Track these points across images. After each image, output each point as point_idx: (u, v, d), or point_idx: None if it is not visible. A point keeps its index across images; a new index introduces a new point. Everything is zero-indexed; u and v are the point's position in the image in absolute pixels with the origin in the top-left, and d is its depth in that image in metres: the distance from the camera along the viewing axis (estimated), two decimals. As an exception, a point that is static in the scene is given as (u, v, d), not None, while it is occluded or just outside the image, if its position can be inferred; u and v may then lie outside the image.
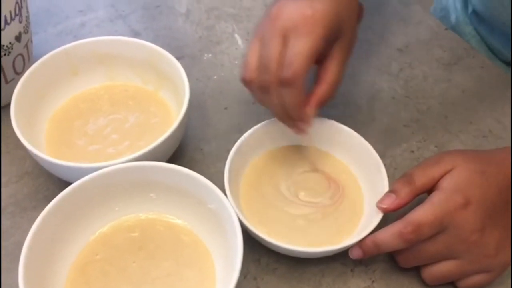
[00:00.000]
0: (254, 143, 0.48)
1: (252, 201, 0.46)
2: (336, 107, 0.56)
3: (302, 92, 0.42)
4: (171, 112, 0.52)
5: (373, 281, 0.44)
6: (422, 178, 0.42)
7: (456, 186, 0.41)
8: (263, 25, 0.43)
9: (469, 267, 0.42)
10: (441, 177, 0.42)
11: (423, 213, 0.40)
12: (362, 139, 0.47)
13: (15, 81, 0.50)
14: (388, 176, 0.45)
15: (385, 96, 0.58)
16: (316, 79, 0.45)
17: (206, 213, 0.42)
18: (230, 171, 0.44)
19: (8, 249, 0.45)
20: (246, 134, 0.47)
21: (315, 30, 0.41)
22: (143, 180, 0.43)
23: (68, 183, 0.42)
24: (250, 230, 0.42)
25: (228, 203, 0.40)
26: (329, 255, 0.44)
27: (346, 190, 0.47)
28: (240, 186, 0.47)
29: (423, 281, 0.43)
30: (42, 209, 0.40)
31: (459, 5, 0.71)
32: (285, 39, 0.41)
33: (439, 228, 0.40)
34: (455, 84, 0.59)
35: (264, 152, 0.49)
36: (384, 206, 0.42)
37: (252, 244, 0.44)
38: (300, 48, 0.41)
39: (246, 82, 0.44)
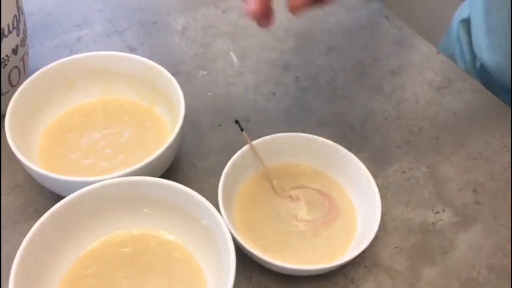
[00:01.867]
0: (248, 161, 0.48)
1: (246, 218, 0.46)
2: (330, 126, 0.57)
3: None
4: (165, 127, 0.52)
5: (364, 301, 0.44)
6: None
7: None
8: None
9: None
10: None
11: None
12: (355, 158, 0.48)
13: (10, 94, 0.50)
14: (380, 196, 0.46)
15: (378, 117, 0.59)
16: None
17: (199, 229, 0.42)
18: (224, 188, 0.44)
19: (-2, 263, 0.44)
20: (240, 152, 0.47)
21: None
22: (136, 195, 0.43)
23: (60, 197, 0.42)
24: (243, 247, 0.42)
25: (221, 219, 0.40)
26: (320, 273, 0.44)
27: (339, 209, 0.47)
28: (233, 202, 0.47)
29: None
30: (33, 222, 0.40)
31: (468, 57, 0.69)
32: None
33: None
34: (446, 107, 0.60)
35: (258, 170, 0.49)
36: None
37: (244, 261, 0.44)
38: None
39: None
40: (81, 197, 0.41)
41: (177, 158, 0.52)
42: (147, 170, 0.44)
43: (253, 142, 0.48)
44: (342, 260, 0.42)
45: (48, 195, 0.48)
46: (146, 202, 0.43)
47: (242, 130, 0.48)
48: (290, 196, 0.48)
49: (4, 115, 0.48)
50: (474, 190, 0.53)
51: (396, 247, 0.48)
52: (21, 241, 0.40)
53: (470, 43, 0.70)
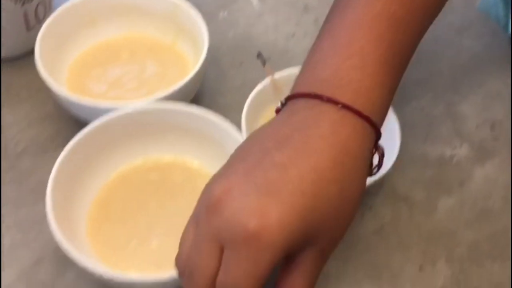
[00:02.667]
0: (270, 95, 0.49)
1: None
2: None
3: None
4: (188, 64, 0.53)
5: (382, 226, 0.46)
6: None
7: None
8: (201, 204, 0.31)
9: None
10: None
11: None
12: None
13: (36, 29, 0.52)
14: (399, 128, 0.47)
15: (397, 57, 0.59)
16: None
17: (223, 156, 0.44)
18: (246, 119, 0.45)
19: (31, 187, 0.46)
20: (261, 84, 0.48)
21: (261, 257, 0.28)
22: (162, 122, 0.44)
23: (89, 126, 0.44)
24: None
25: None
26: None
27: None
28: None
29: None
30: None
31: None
32: (220, 250, 0.29)
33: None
34: (465, 48, 0.61)
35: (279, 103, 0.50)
36: None
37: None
38: (239, 281, 0.29)
39: (178, 273, 0.33)
40: (109, 123, 0.43)
41: (199, 95, 0.54)
42: (171, 100, 0.45)
43: (275, 76, 0.49)
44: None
45: (77, 125, 0.49)
46: (172, 130, 0.45)
47: (264, 63, 0.49)
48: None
49: (33, 50, 0.49)
50: (492, 127, 0.53)
51: (413, 179, 0.49)
52: (52, 168, 0.42)
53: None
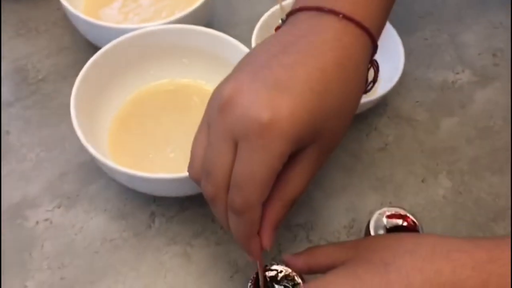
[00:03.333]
0: (276, 23, 0.51)
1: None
2: None
3: (254, 224, 0.32)
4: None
5: (386, 144, 0.48)
6: (320, 259, 0.34)
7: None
8: (212, 100, 0.32)
9: None
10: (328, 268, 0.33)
11: None
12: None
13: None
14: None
15: (402, -9, 0.61)
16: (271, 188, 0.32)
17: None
18: (256, 42, 0.47)
19: (53, 109, 0.49)
20: (270, 11, 0.50)
21: (273, 145, 0.29)
22: (176, 44, 0.46)
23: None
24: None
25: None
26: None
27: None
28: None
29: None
30: (82, 77, 0.44)
31: None
32: (234, 145, 0.30)
33: None
34: (470, -18, 0.62)
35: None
36: (284, 259, 0.36)
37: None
38: (253, 169, 0.30)
39: (193, 180, 0.34)
40: (126, 43, 0.45)
41: (209, 27, 0.55)
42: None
43: (283, 3, 0.50)
44: (369, 99, 0.45)
45: (93, 55, 0.52)
46: (185, 52, 0.47)
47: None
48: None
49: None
50: (494, 55, 0.55)
51: (417, 101, 0.51)
52: (72, 92, 0.44)
53: None
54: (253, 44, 0.47)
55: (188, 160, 0.42)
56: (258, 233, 0.33)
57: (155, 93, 0.47)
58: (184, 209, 0.44)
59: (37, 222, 0.43)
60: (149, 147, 0.44)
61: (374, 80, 0.37)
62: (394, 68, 0.48)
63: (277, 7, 0.50)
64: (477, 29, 0.57)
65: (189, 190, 0.42)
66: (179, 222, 0.43)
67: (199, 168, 0.33)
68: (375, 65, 0.37)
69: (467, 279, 0.28)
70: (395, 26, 0.51)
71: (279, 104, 0.29)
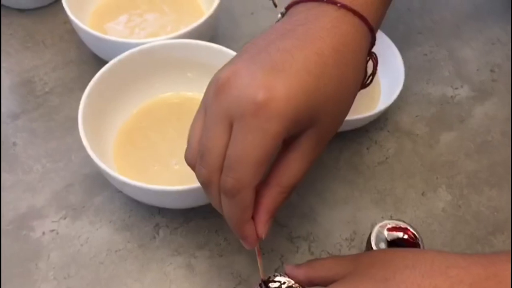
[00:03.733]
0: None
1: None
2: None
3: (247, 207, 0.31)
4: (203, 14, 0.55)
5: (386, 158, 0.49)
6: (320, 273, 0.34)
7: None
8: (209, 84, 0.33)
9: None
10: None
11: None
12: (383, 34, 0.51)
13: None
14: (403, 66, 0.50)
15: (401, 7, 0.62)
16: (268, 173, 0.32)
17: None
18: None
19: (60, 122, 0.50)
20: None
21: (268, 125, 0.29)
22: (181, 58, 0.47)
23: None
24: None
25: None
26: (345, 129, 0.48)
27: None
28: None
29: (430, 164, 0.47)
30: (88, 89, 0.45)
31: None
32: (229, 126, 0.30)
33: None
34: (467, -1, 0.63)
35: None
36: (286, 270, 0.36)
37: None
38: (246, 150, 0.29)
39: (189, 166, 0.34)
40: (131, 57, 0.46)
41: (213, 41, 0.56)
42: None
43: (286, 18, 0.52)
44: (369, 113, 0.46)
45: (99, 68, 0.52)
46: (190, 66, 0.48)
47: (275, 5, 0.51)
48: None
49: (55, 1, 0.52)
50: (492, 70, 0.56)
51: (416, 116, 0.52)
52: (78, 104, 0.44)
53: None
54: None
55: (193, 173, 0.43)
56: (254, 220, 0.33)
57: (160, 106, 0.48)
58: (188, 220, 0.44)
59: (43, 233, 0.43)
60: (154, 159, 0.45)
61: (374, 73, 0.38)
62: (394, 83, 0.49)
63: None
64: (475, 45, 0.58)
65: (194, 202, 0.42)
66: (183, 233, 0.44)
67: (195, 153, 0.32)
68: (374, 58, 0.37)
69: None
70: (395, 41, 0.53)
71: (275, 84, 0.29)
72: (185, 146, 0.46)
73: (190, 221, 0.44)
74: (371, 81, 0.37)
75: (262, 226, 0.32)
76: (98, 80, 0.44)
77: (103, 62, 0.51)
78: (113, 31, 0.53)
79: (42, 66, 0.53)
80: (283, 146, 0.32)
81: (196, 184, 0.38)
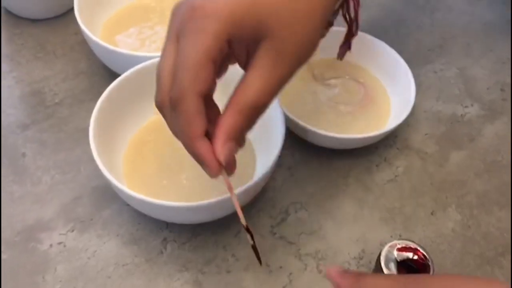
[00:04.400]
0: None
1: (289, 102, 0.49)
2: (365, 31, 0.60)
3: (192, 118, 0.30)
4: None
5: (396, 176, 0.49)
6: None
7: None
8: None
9: None
10: None
11: None
12: (395, 53, 0.51)
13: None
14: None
15: (411, 24, 0.62)
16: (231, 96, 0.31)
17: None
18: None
19: (69, 133, 0.50)
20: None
21: (206, 26, 0.29)
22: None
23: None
24: (289, 118, 0.46)
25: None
26: (356, 146, 0.48)
27: (374, 97, 0.51)
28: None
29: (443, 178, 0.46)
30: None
31: None
32: (178, 43, 0.30)
33: None
34: (477, 17, 0.63)
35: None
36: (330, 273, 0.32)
37: (286, 140, 0.48)
38: (187, 54, 0.29)
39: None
40: (143, 70, 0.46)
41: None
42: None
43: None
44: (379, 132, 0.46)
45: (109, 80, 0.52)
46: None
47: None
48: (329, 84, 0.52)
49: (69, 10, 0.52)
50: (502, 89, 0.56)
51: (426, 134, 0.52)
52: (88, 116, 0.45)
53: None
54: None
55: (202, 187, 0.43)
56: (212, 143, 0.31)
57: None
58: (196, 235, 0.44)
59: (50, 245, 0.43)
60: (163, 173, 0.45)
61: (356, 15, 0.38)
62: (405, 101, 0.49)
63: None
64: (485, 63, 0.58)
65: (202, 218, 0.42)
66: (191, 248, 0.44)
67: (156, 77, 0.32)
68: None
69: None
70: (405, 58, 0.53)
71: None
72: (194, 162, 0.46)
73: (198, 236, 0.44)
74: (358, 27, 0.37)
75: (220, 147, 0.30)
76: (110, 92, 0.44)
77: (114, 74, 0.51)
78: (123, 43, 0.53)
79: (52, 77, 0.54)
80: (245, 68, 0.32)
81: (204, 200, 0.38)
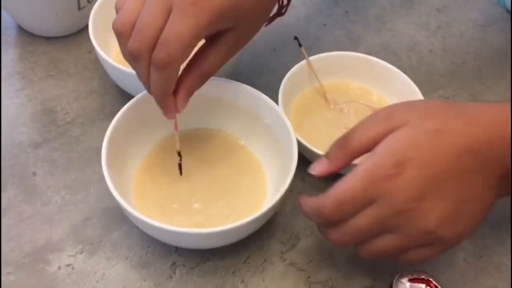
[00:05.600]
0: (304, 76, 0.52)
1: (300, 126, 0.50)
2: (377, 55, 0.59)
3: (172, 81, 0.39)
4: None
5: (407, 203, 0.48)
6: (361, 139, 0.36)
7: (392, 148, 0.35)
8: None
9: (407, 242, 0.36)
10: (385, 137, 0.35)
11: (344, 187, 0.35)
12: (407, 78, 0.52)
13: (86, 9, 0.55)
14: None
15: (423, 49, 0.62)
16: (190, 61, 0.40)
17: (261, 128, 0.47)
18: (282, 96, 0.48)
19: (80, 153, 0.49)
20: (297, 66, 0.51)
21: (201, 14, 0.36)
22: (200, 94, 0.47)
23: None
24: (301, 144, 0.45)
25: (284, 117, 0.45)
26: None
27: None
28: (290, 111, 0.50)
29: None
30: (109, 122, 0.44)
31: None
32: (168, 12, 0.36)
33: (366, 202, 0.35)
34: (489, 43, 0.63)
35: (313, 85, 0.53)
36: (314, 172, 0.39)
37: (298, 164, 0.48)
38: (179, 30, 0.36)
39: (116, 31, 0.38)
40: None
41: (235, 76, 0.56)
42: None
43: (310, 58, 0.52)
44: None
45: (121, 99, 0.53)
46: (210, 102, 0.48)
47: (300, 45, 0.52)
48: (342, 108, 0.52)
49: (83, 28, 0.52)
50: (514, 117, 0.56)
51: (438, 161, 0.51)
52: (99, 135, 0.44)
53: None
54: (280, 95, 0.48)
55: (212, 211, 0.43)
56: (175, 96, 0.40)
57: (181, 142, 0.48)
58: (205, 260, 0.44)
59: (59, 267, 0.43)
60: (174, 196, 0.45)
61: (288, 4, 0.48)
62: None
63: (302, 62, 0.51)
64: (497, 90, 0.58)
65: (211, 244, 0.42)
66: (200, 273, 0.43)
67: (127, 22, 0.37)
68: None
69: (494, 136, 0.35)
70: (417, 84, 0.53)
71: None
72: (205, 186, 0.46)
73: (207, 261, 0.44)
74: (286, 11, 0.48)
75: (182, 101, 0.40)
76: (123, 114, 0.44)
77: (126, 94, 0.51)
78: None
79: (64, 95, 0.54)
80: (207, 41, 0.41)
81: (214, 228, 0.38)
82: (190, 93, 0.40)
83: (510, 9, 0.67)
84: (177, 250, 0.44)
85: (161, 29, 0.36)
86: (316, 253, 0.45)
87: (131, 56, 0.38)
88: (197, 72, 0.40)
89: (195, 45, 0.37)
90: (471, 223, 0.37)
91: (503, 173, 0.36)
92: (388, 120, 0.36)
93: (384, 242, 0.36)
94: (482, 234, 0.46)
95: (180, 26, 0.36)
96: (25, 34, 0.59)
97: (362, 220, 0.35)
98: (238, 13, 0.38)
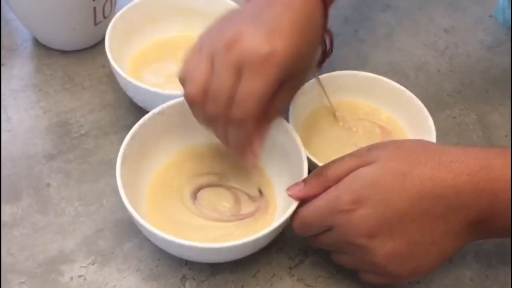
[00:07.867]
0: (313, 94, 0.53)
1: (309, 143, 0.51)
2: (385, 74, 0.60)
3: (250, 134, 0.41)
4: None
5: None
6: (336, 170, 0.40)
7: (353, 185, 0.38)
8: (215, 41, 0.40)
9: (361, 266, 0.41)
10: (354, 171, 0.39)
11: (305, 213, 0.41)
12: (416, 99, 0.52)
13: (102, 24, 0.57)
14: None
15: (431, 68, 0.63)
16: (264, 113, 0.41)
17: (271, 144, 0.47)
18: (292, 114, 0.49)
19: (94, 165, 0.50)
20: (307, 84, 0.52)
21: (271, 72, 0.38)
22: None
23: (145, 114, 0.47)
24: (313, 162, 0.46)
25: (296, 134, 0.45)
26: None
27: (394, 139, 0.52)
28: (299, 129, 0.51)
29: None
30: (123, 135, 0.45)
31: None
32: (238, 73, 0.38)
33: (324, 227, 0.40)
34: (496, 64, 0.64)
35: (322, 103, 0.54)
36: (289, 193, 0.42)
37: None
38: (254, 89, 0.38)
39: (190, 101, 0.41)
40: (170, 109, 0.47)
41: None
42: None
43: (320, 76, 0.53)
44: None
45: (135, 113, 0.54)
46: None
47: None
48: (350, 126, 0.53)
49: (98, 42, 0.54)
50: (520, 137, 0.57)
51: (445, 180, 0.52)
52: (113, 148, 0.46)
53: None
54: (290, 113, 0.49)
55: (225, 225, 0.43)
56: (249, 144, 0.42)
57: (193, 158, 0.49)
58: (215, 273, 0.45)
59: (71, 278, 0.43)
60: (187, 213, 0.45)
61: (331, 47, 0.49)
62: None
63: (312, 81, 0.52)
64: (504, 110, 0.59)
65: (222, 258, 0.43)
66: (210, 287, 0.44)
67: (200, 91, 0.40)
68: (329, 34, 0.47)
69: (464, 183, 0.37)
70: (424, 103, 0.54)
71: (275, 41, 0.38)
72: (218, 199, 0.47)
73: (217, 275, 0.45)
74: (331, 53, 0.49)
75: (259, 146, 0.43)
76: (139, 127, 0.45)
77: (139, 107, 0.52)
78: (150, 78, 0.55)
79: (79, 108, 0.55)
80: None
81: (226, 242, 0.39)
82: (263, 140, 0.43)
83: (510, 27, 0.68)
84: (187, 263, 0.45)
85: (234, 90, 0.38)
86: (324, 269, 0.45)
87: (209, 120, 0.41)
88: (266, 121, 0.42)
89: (268, 100, 0.39)
90: (426, 264, 0.39)
91: (472, 220, 0.37)
92: (362, 156, 0.40)
93: (344, 259, 0.42)
94: (488, 254, 0.47)
95: (253, 85, 0.38)
96: (42, 47, 0.60)
97: (323, 239, 0.41)
98: (300, 64, 0.41)
